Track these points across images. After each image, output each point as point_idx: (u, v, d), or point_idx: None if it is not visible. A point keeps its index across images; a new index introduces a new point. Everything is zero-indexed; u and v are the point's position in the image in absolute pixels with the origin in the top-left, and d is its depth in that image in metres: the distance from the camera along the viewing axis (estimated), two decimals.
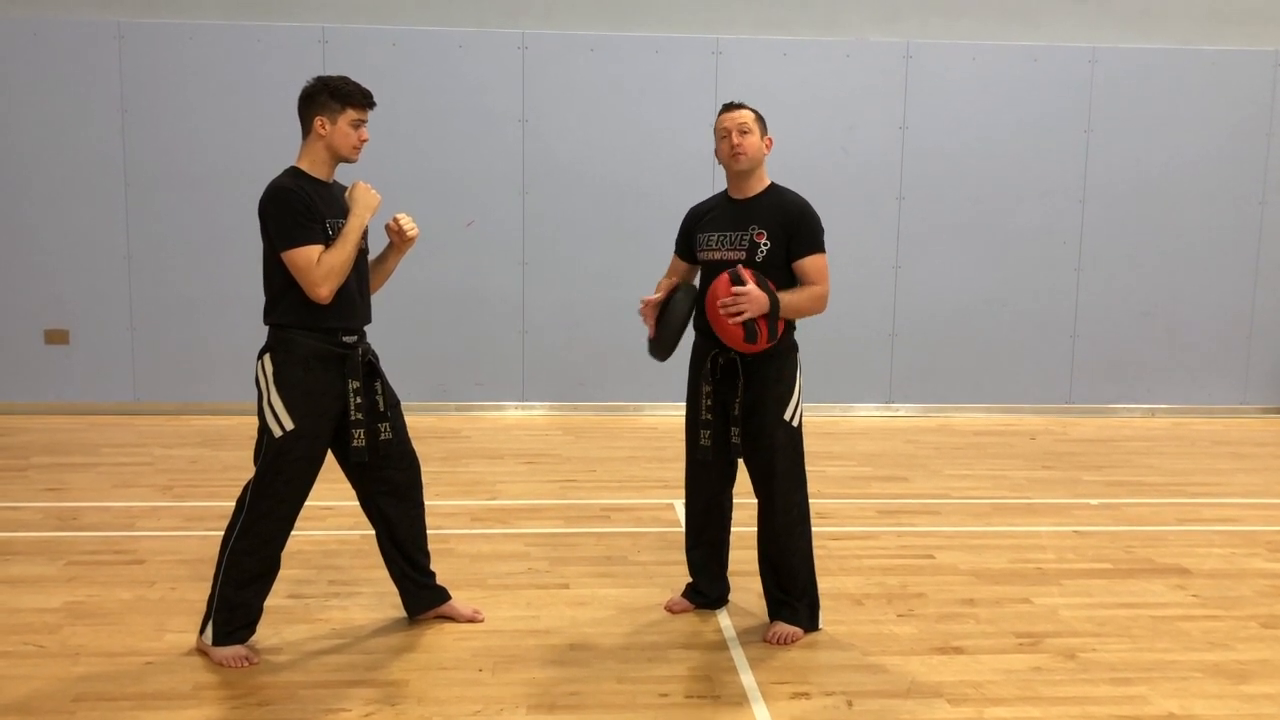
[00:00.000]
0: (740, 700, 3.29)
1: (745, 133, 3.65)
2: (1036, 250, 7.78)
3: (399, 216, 3.60)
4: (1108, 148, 7.71)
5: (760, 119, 3.71)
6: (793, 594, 3.76)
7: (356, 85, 3.45)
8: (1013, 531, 5.03)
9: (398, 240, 3.63)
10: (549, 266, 7.55)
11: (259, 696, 3.27)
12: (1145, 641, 3.77)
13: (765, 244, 3.62)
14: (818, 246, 3.65)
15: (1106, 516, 5.32)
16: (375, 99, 3.48)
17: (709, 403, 3.71)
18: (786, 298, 3.57)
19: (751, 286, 3.50)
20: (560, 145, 7.46)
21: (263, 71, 7.19)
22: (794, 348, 3.72)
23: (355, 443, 3.48)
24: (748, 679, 3.43)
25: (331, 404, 3.44)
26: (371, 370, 3.55)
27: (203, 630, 3.51)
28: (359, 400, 3.46)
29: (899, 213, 7.68)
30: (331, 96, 3.40)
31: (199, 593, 4.02)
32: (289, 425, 3.37)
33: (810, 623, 3.79)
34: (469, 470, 6.02)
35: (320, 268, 3.32)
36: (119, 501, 5.31)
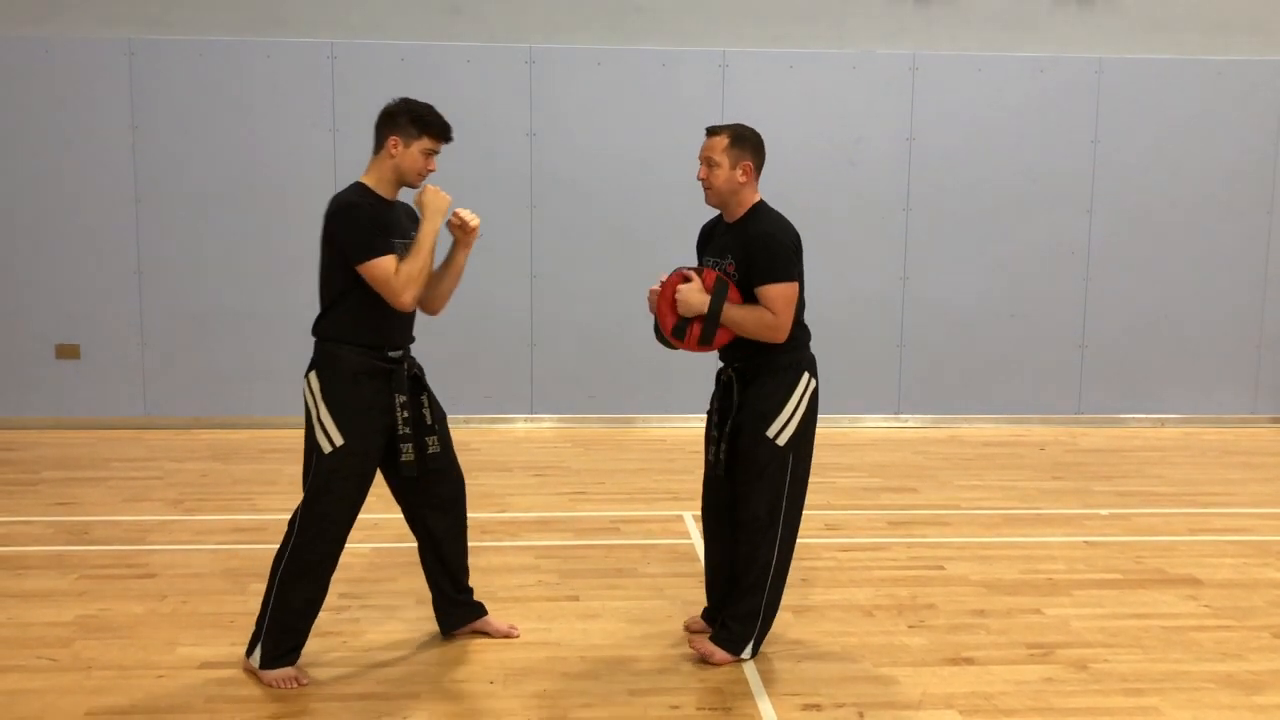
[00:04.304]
0: (751, 712, 3.29)
1: (712, 165, 3.51)
2: (1044, 260, 7.77)
3: (459, 210, 3.54)
4: (1115, 158, 7.71)
5: (734, 144, 3.51)
6: (731, 611, 3.60)
7: (439, 116, 3.46)
8: (1023, 542, 5.02)
9: (460, 235, 3.56)
10: (558, 279, 7.56)
11: (271, 709, 3.28)
12: (1157, 652, 3.76)
13: (735, 274, 3.53)
14: (775, 276, 3.44)
15: (1117, 527, 5.30)
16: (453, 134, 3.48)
17: (715, 418, 3.70)
18: (732, 312, 3.47)
19: (692, 287, 3.48)
20: (568, 159, 7.48)
21: (272, 87, 7.21)
22: (796, 366, 3.57)
23: (404, 457, 3.50)
24: (759, 691, 3.43)
25: (379, 418, 3.44)
26: (417, 383, 3.57)
27: (250, 652, 3.50)
28: (406, 415, 3.47)
29: (906, 224, 7.69)
30: (411, 121, 3.42)
31: (210, 606, 4.04)
32: (339, 440, 3.37)
33: (734, 648, 3.59)
34: (478, 483, 6.02)
35: (400, 276, 3.33)
36: (130, 515, 5.33)
